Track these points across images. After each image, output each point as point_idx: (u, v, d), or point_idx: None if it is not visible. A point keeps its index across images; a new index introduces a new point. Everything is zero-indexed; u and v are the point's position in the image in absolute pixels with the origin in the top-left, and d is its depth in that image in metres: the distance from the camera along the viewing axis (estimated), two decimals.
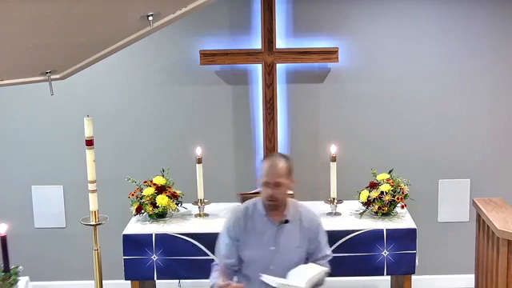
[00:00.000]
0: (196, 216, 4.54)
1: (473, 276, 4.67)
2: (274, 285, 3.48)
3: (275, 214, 3.63)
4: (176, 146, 5.07)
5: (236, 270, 3.68)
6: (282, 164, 3.54)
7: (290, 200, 3.69)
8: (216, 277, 3.59)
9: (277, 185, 3.52)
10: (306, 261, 3.70)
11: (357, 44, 4.96)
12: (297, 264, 3.65)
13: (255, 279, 3.62)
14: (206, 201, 4.56)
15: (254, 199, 3.73)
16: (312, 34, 4.92)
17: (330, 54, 4.84)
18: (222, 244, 3.67)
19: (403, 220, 4.38)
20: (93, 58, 3.56)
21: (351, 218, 4.45)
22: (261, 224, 3.62)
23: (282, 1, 4.88)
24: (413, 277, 4.31)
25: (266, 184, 3.53)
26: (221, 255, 3.67)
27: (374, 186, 4.47)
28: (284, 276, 3.57)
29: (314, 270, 3.52)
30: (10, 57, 3.09)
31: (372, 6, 4.92)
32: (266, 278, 3.52)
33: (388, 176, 4.53)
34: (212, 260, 3.82)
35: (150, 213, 4.43)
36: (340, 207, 4.53)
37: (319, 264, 3.67)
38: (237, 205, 3.85)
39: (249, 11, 4.92)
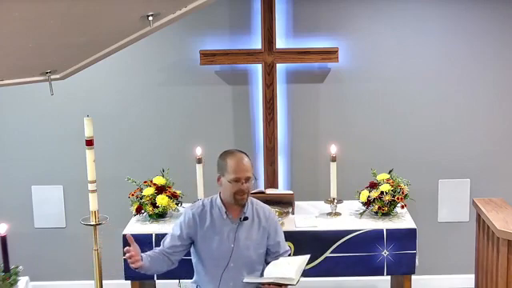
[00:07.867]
0: None
1: (473, 276, 4.67)
2: (262, 281, 3.47)
3: (234, 212, 3.67)
4: (176, 146, 5.07)
5: (169, 259, 3.71)
6: (247, 159, 3.62)
7: None
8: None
9: (247, 179, 3.58)
10: (267, 257, 3.73)
11: (357, 44, 4.96)
12: (256, 261, 3.68)
13: (215, 276, 3.64)
14: None
15: (211, 196, 3.76)
16: (312, 34, 4.92)
17: (329, 54, 4.84)
18: (171, 234, 3.73)
19: (403, 220, 4.37)
20: (93, 58, 3.56)
21: (351, 217, 4.44)
22: (220, 221, 3.66)
23: (282, 1, 4.88)
24: (413, 277, 4.31)
25: (237, 180, 3.56)
26: (164, 242, 3.73)
27: (374, 185, 4.47)
28: (245, 273, 3.60)
29: (298, 260, 3.52)
30: (10, 57, 3.09)
31: (372, 6, 4.92)
32: (249, 278, 3.56)
33: (388, 176, 4.52)
34: None
35: (150, 213, 4.43)
36: (340, 207, 4.53)
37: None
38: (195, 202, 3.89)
39: (249, 11, 4.92)
